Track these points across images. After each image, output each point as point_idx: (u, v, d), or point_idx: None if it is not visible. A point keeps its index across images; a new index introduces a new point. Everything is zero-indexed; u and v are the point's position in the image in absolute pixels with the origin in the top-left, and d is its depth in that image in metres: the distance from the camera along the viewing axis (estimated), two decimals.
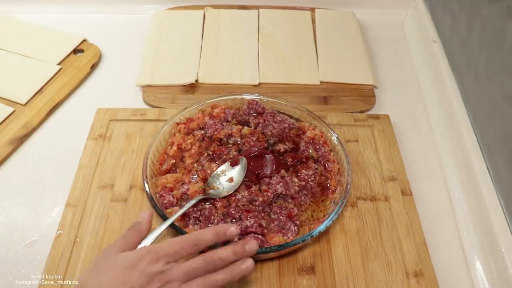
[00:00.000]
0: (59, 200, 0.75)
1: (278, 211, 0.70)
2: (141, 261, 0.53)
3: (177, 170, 0.75)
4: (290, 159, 0.77)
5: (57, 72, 0.95)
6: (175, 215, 0.65)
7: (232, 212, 0.69)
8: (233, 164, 0.74)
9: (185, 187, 0.71)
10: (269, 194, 0.71)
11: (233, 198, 0.71)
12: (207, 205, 0.70)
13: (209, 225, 0.67)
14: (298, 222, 0.69)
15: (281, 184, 0.71)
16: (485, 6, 0.79)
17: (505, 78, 0.71)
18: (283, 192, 0.71)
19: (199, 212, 0.69)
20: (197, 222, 0.68)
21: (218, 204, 0.70)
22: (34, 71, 0.94)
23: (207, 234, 0.57)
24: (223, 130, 0.79)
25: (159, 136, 0.77)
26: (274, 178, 0.72)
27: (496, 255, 0.66)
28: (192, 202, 0.68)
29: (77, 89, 0.94)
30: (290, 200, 0.71)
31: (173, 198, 0.70)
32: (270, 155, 0.75)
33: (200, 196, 0.69)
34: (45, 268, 0.65)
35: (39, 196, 0.76)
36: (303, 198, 0.72)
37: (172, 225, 0.65)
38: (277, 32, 1.07)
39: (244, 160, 0.73)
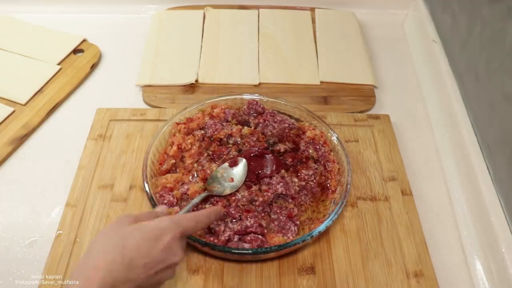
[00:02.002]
0: (59, 200, 0.75)
1: (278, 211, 0.70)
2: (164, 235, 0.53)
3: (177, 170, 0.75)
4: (290, 159, 0.77)
5: (57, 72, 0.95)
6: (190, 204, 0.66)
7: (232, 212, 0.69)
8: (232, 164, 0.74)
9: (185, 187, 0.71)
10: (269, 194, 0.71)
11: (233, 198, 0.71)
12: (207, 205, 0.70)
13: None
14: (298, 222, 0.69)
15: (281, 184, 0.71)
16: (485, 6, 0.79)
17: (505, 78, 0.71)
18: (283, 192, 0.71)
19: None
20: None
21: (219, 204, 0.70)
22: (34, 71, 0.94)
23: (212, 216, 0.60)
24: (223, 130, 0.79)
25: (159, 136, 0.77)
26: (274, 178, 0.72)
27: (496, 255, 0.66)
28: (201, 196, 0.68)
29: (77, 89, 0.94)
30: (290, 200, 0.71)
31: (173, 198, 0.70)
32: (270, 155, 0.75)
33: (206, 193, 0.70)
34: (45, 268, 0.65)
35: (39, 196, 0.76)
36: (303, 198, 0.72)
37: None
38: (277, 32, 1.07)
39: (244, 161, 0.73)
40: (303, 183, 0.73)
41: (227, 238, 0.66)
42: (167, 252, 0.53)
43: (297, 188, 0.72)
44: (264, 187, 0.72)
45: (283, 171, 0.74)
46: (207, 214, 0.59)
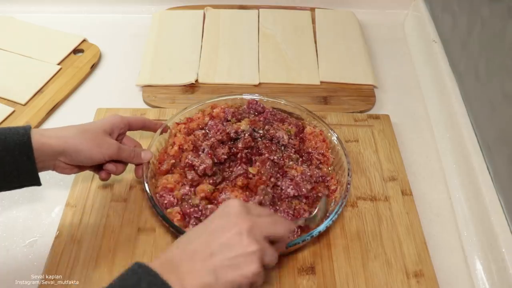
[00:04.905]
0: (59, 200, 0.75)
1: (286, 210, 0.69)
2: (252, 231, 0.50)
3: (175, 170, 0.75)
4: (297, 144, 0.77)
5: (57, 72, 0.95)
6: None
7: None
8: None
9: (187, 188, 0.71)
10: (282, 197, 0.71)
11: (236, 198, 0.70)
12: (209, 206, 0.69)
13: None
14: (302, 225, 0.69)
15: (291, 186, 0.71)
16: (485, 6, 0.79)
17: (505, 78, 0.71)
18: (295, 194, 0.71)
19: (200, 212, 0.68)
20: (197, 222, 0.68)
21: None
22: (34, 71, 0.94)
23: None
24: (226, 130, 0.78)
25: (159, 137, 0.77)
26: (284, 181, 0.72)
27: (496, 255, 0.66)
28: None
29: (77, 89, 0.94)
30: (304, 200, 0.71)
31: (174, 198, 0.69)
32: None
33: None
34: (45, 268, 0.65)
35: (39, 196, 0.76)
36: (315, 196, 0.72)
37: (172, 225, 0.65)
38: (277, 32, 1.07)
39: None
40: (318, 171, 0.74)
41: None
42: (227, 217, 0.50)
43: (309, 187, 0.72)
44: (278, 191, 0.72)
45: (293, 171, 0.73)
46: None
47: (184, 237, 0.51)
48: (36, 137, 0.59)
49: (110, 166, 0.67)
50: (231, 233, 0.49)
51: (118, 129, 0.68)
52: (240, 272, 0.47)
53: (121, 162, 0.68)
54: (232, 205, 0.51)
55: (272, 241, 0.52)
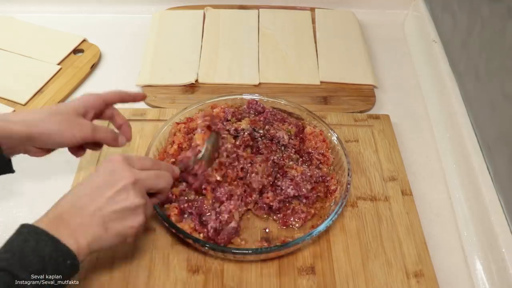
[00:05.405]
0: None
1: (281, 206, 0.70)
2: (107, 161, 0.56)
3: None
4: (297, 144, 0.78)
5: (57, 72, 0.95)
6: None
7: (218, 195, 0.69)
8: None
9: (184, 184, 0.71)
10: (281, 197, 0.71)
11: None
12: (201, 197, 0.70)
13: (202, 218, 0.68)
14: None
15: (291, 186, 0.71)
16: (485, 6, 0.79)
17: (505, 78, 0.71)
18: (295, 194, 0.71)
19: (194, 207, 0.68)
20: (192, 217, 0.68)
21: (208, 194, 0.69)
22: (34, 71, 0.94)
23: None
24: (227, 126, 0.78)
25: (159, 136, 0.77)
26: (284, 182, 0.72)
27: (496, 255, 0.66)
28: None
29: (77, 89, 0.94)
30: (304, 201, 0.71)
31: (172, 195, 0.69)
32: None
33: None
34: None
35: (39, 196, 0.76)
36: (315, 197, 0.73)
37: (171, 225, 0.65)
38: (277, 32, 1.07)
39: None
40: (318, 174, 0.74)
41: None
42: (112, 173, 0.54)
43: (309, 187, 0.72)
44: (272, 193, 0.72)
45: (293, 171, 0.73)
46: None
47: (70, 194, 0.54)
48: (1, 124, 0.57)
49: (88, 147, 0.67)
50: (117, 188, 0.53)
51: (93, 109, 0.65)
52: (128, 223, 0.53)
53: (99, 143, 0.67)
54: (115, 160, 0.55)
55: (153, 193, 0.58)
